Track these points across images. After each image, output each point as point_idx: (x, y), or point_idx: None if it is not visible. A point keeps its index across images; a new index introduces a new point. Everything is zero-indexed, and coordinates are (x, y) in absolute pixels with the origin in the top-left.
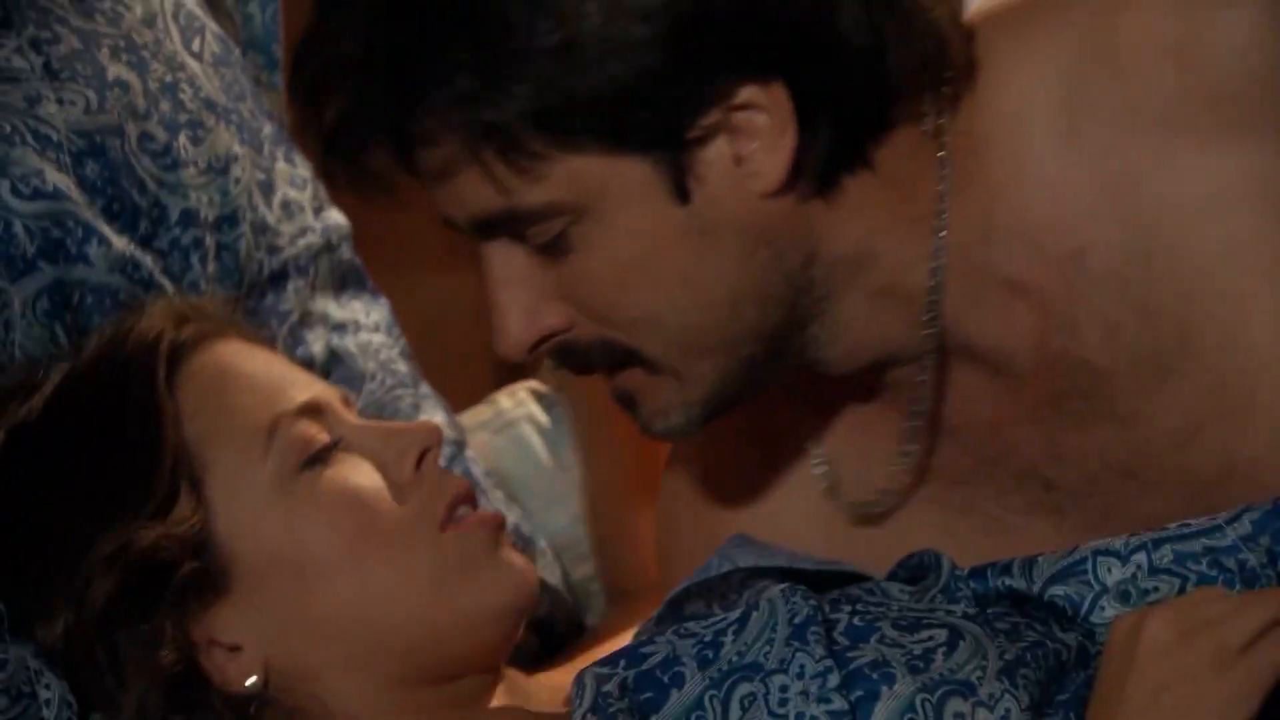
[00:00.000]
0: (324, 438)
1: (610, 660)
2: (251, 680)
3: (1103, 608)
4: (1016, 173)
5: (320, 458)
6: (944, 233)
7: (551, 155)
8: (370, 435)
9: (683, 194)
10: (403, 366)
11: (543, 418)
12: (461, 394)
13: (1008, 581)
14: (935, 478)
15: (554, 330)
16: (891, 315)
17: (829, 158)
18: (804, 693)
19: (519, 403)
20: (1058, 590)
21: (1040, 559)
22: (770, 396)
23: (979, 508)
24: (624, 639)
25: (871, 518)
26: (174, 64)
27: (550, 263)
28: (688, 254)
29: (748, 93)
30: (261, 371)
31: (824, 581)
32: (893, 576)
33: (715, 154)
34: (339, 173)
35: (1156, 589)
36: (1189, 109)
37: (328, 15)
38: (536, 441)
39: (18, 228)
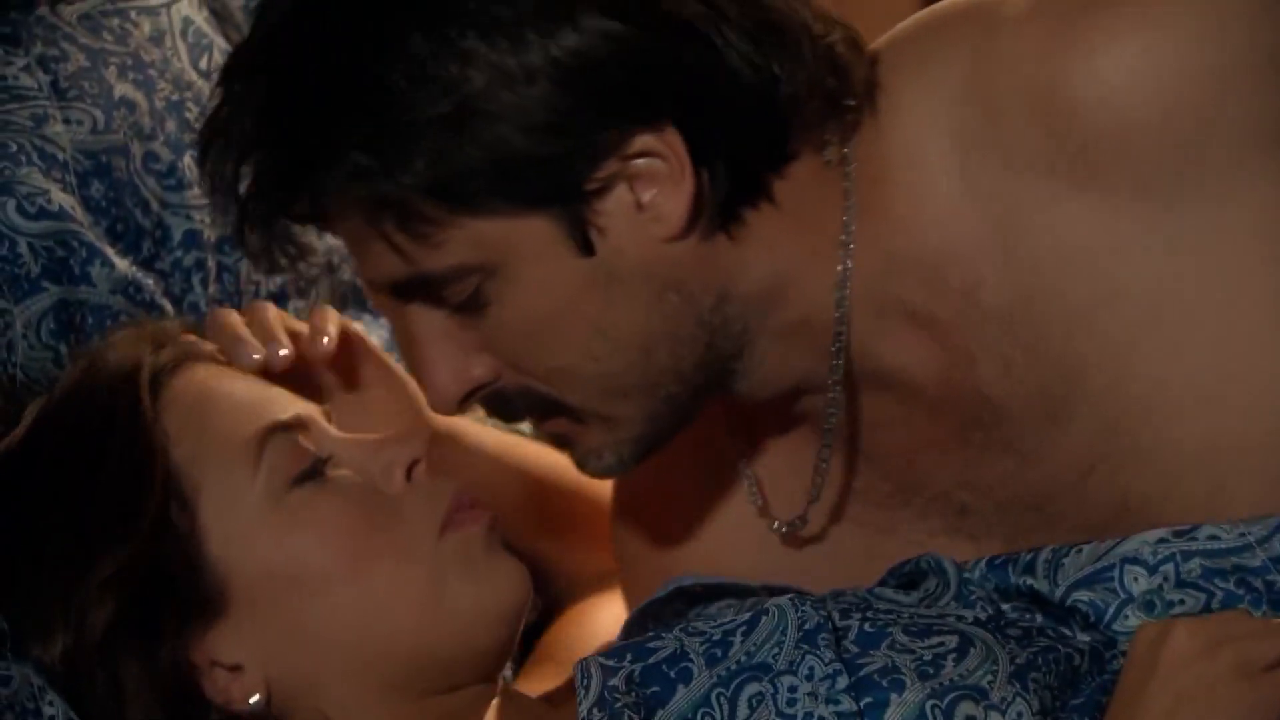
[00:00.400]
0: (312, 453)
1: (616, 653)
2: (255, 699)
3: (1127, 616)
4: (915, 204)
5: (310, 473)
6: (850, 261)
7: (451, 221)
8: (358, 449)
9: (586, 246)
10: None
11: None
12: None
13: (1029, 582)
14: (860, 500)
15: (482, 382)
16: (804, 345)
17: (729, 196)
18: (813, 694)
19: None
20: (1082, 596)
21: (1065, 560)
22: (707, 419)
23: (901, 530)
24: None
25: (796, 538)
26: (181, 83)
27: (471, 318)
28: (598, 304)
29: (642, 141)
30: (243, 391)
31: None
32: (882, 584)
33: (615, 204)
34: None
35: (1182, 601)
36: (1058, 157)
37: (223, 97)
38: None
39: (23, 247)
